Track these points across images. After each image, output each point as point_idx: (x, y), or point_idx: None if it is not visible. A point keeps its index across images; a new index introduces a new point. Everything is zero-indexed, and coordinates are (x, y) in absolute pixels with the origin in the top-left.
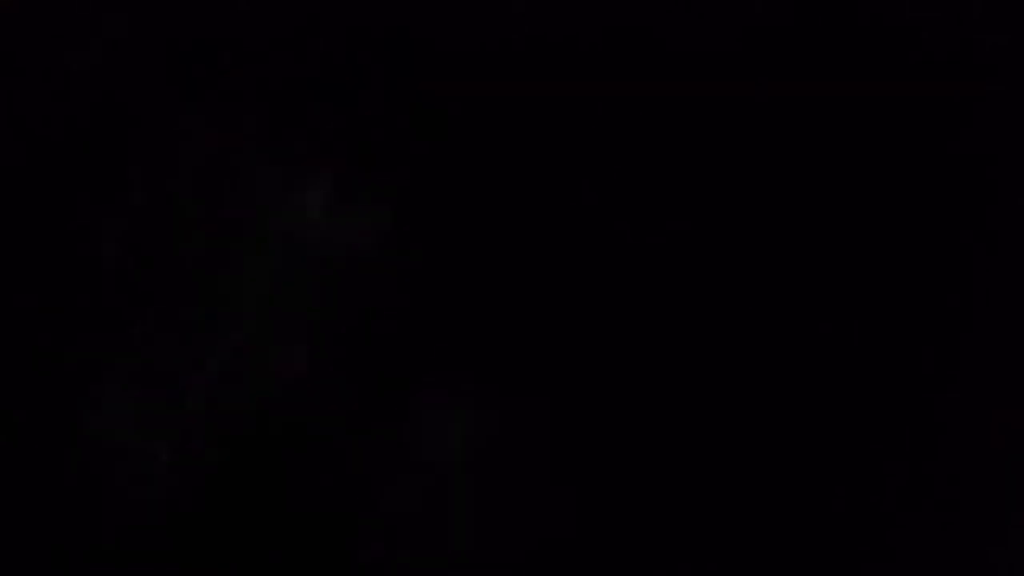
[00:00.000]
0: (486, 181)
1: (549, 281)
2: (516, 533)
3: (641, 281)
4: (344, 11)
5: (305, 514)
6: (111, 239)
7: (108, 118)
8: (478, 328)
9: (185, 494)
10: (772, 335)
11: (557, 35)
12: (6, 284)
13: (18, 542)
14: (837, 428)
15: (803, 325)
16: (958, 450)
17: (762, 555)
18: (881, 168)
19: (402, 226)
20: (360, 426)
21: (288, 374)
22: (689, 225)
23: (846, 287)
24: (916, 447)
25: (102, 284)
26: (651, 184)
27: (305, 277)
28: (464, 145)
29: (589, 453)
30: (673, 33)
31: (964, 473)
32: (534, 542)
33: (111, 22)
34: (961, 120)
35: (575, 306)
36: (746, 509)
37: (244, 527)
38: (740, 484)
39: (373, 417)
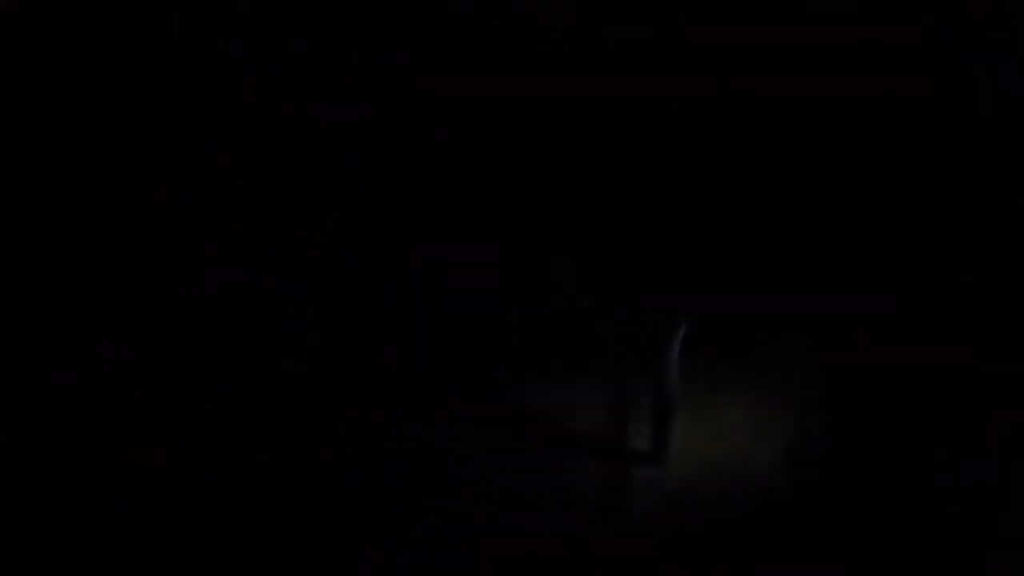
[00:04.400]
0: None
1: None
2: None
3: None
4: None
5: None
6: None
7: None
8: None
9: None
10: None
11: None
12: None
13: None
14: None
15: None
16: (957, 450)
17: (766, 552)
18: (878, 168)
19: None
20: None
21: None
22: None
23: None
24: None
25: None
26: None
27: None
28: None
29: None
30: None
31: (964, 472)
32: None
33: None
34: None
35: None
36: (754, 506)
37: None
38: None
39: None
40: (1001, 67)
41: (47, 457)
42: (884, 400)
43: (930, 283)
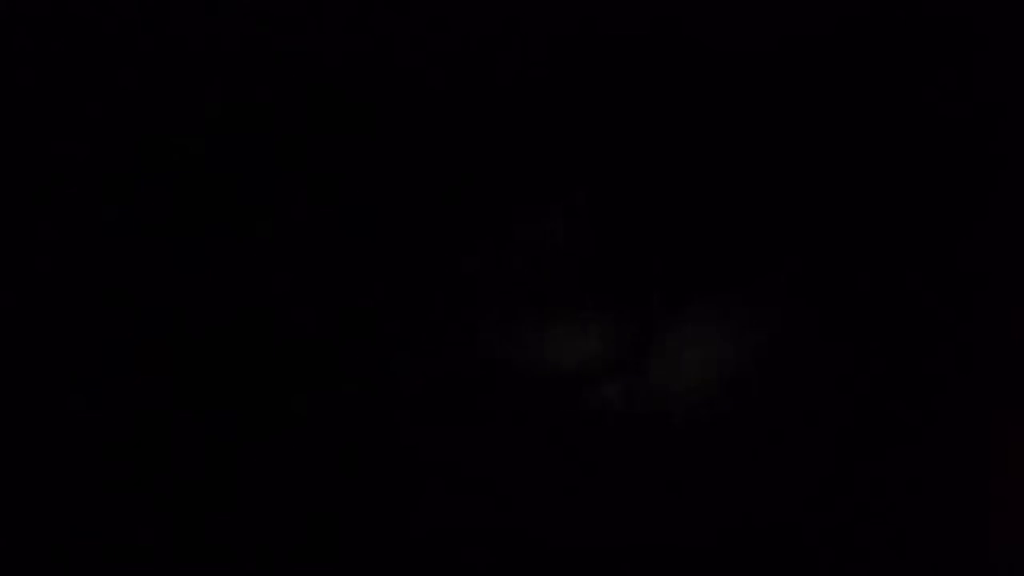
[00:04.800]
0: None
1: None
2: None
3: None
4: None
5: None
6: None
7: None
8: None
9: None
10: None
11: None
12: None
13: None
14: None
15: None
16: (957, 449)
17: (755, 553)
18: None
19: None
20: None
21: None
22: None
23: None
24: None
25: None
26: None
27: None
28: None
29: None
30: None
31: (962, 472)
32: None
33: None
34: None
35: None
36: (739, 508)
37: None
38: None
39: None
40: (1001, 67)
41: (47, 457)
42: (883, 399)
43: (929, 283)
